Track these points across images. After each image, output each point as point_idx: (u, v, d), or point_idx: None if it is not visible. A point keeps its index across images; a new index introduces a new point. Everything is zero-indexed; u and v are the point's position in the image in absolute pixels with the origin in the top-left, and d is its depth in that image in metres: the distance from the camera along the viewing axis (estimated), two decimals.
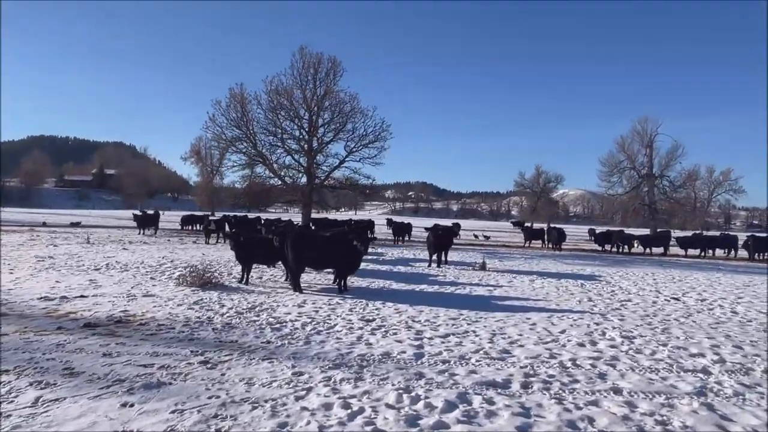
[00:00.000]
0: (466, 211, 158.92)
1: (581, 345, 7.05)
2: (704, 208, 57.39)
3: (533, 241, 30.26)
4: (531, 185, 67.60)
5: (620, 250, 27.27)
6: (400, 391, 4.99)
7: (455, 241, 34.37)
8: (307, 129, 27.74)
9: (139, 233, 28.66)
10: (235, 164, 28.08)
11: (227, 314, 8.41)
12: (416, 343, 6.93)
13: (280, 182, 27.61)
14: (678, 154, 40.96)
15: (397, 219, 43.91)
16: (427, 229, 17.46)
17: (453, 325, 8.13)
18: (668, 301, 11.30)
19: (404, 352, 6.43)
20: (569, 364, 6.12)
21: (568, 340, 7.28)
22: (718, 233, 33.28)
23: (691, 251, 27.00)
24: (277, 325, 7.72)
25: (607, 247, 28.12)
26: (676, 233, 33.47)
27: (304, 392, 4.92)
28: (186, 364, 5.62)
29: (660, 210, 41.76)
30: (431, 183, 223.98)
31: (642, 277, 15.65)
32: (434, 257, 16.64)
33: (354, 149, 27.48)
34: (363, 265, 16.28)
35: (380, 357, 6.19)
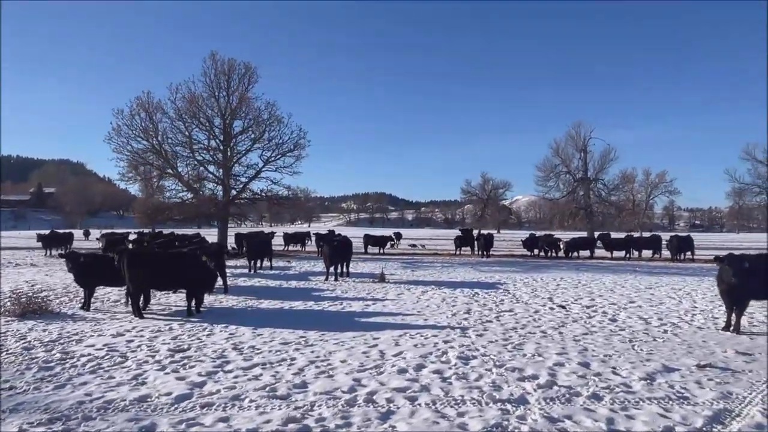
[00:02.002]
0: (421, 220, 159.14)
1: (402, 371, 5.98)
2: (642, 209, 58.67)
3: (464, 248, 29.57)
4: (477, 192, 67.63)
5: (548, 254, 26.86)
6: None
7: (395, 249, 33.75)
8: (221, 138, 26.18)
9: (45, 254, 26.40)
10: (129, 178, 26.38)
11: (11, 350, 6.98)
12: (200, 379, 5.72)
13: (192, 196, 25.86)
14: (611, 157, 41.52)
15: (349, 230, 42.60)
16: (320, 240, 16.22)
17: (278, 351, 6.95)
18: (553, 309, 10.47)
19: (170, 393, 5.20)
20: (361, 401, 5.02)
21: (393, 366, 6.21)
22: (650, 234, 33.53)
23: (619, 253, 26.86)
24: (53, 364, 6.35)
25: (536, 251, 27.67)
26: (616, 235, 33.45)
27: None
28: None
29: (596, 213, 42.09)
30: (390, 193, 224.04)
31: (547, 283, 14.93)
32: (331, 269, 15.42)
33: (271, 158, 26.10)
34: (259, 281, 15.09)
35: (132, 401, 4.94)
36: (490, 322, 9.07)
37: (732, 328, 8.22)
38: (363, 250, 30.68)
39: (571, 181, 42.51)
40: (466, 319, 9.35)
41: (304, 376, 5.84)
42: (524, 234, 38.41)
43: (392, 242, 32.90)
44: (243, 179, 26.79)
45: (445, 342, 7.45)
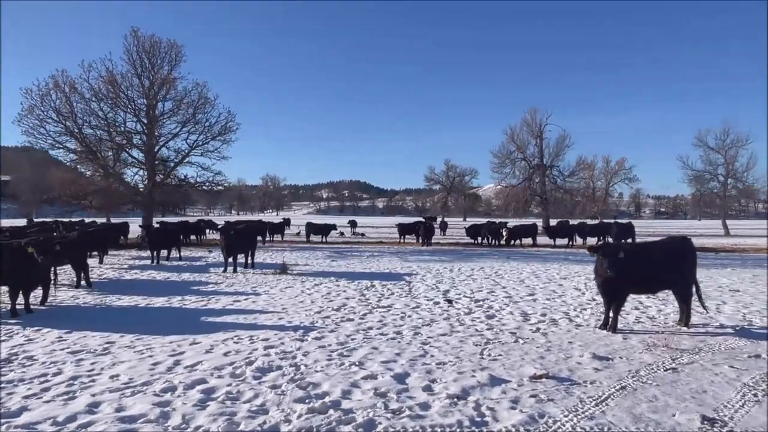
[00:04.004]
0: (392, 208, 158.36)
1: (166, 391, 4.84)
2: (602, 197, 58.64)
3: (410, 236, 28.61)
4: (441, 179, 66.78)
5: (490, 242, 26.06)
6: None
7: (342, 238, 32.57)
8: (145, 121, 24.47)
9: None
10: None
11: None
12: None
13: (114, 182, 24.16)
14: (566, 143, 41.02)
15: (317, 219, 41.28)
16: (220, 229, 14.91)
17: (54, 362, 5.79)
18: (438, 303, 9.46)
19: None
20: None
21: (166, 382, 5.07)
22: (597, 222, 33.06)
23: (563, 241, 26.25)
24: None
25: (479, 239, 26.86)
26: (576, 222, 32.89)
27: None
28: None
29: (551, 200, 41.62)
30: (365, 181, 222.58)
31: (460, 273, 13.99)
32: (230, 260, 14.15)
33: (200, 143, 24.54)
34: (150, 274, 13.76)
35: None
36: (351, 320, 8.00)
37: (609, 326, 7.29)
38: (305, 239, 29.56)
39: (527, 167, 41.90)
40: (328, 317, 8.26)
41: (40, 398, 4.64)
42: (498, 221, 37.45)
43: (337, 231, 31.77)
44: (171, 164, 25.18)
45: (268, 347, 6.33)
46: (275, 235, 30.11)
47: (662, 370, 5.51)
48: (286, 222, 40.38)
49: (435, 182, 67.99)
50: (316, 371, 5.42)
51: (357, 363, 5.72)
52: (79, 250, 11.10)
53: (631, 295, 9.27)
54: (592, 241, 26.75)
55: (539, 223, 34.75)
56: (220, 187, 26.37)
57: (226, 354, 6.07)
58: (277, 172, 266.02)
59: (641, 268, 7.21)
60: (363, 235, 33.99)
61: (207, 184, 25.34)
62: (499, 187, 49.60)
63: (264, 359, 5.83)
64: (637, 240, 24.85)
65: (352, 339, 6.82)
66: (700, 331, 7.25)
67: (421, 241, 26.08)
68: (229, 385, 4.99)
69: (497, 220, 38.41)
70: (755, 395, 4.75)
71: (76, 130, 23.28)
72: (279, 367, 5.55)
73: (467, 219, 73.32)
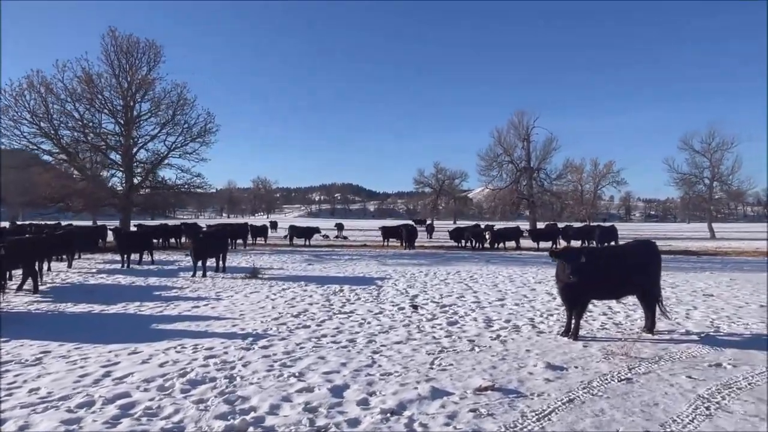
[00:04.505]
0: (383, 211, 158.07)
1: (84, 406, 4.51)
2: (591, 200, 58.59)
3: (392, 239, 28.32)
4: (430, 182, 66.57)
5: (474, 245, 25.83)
6: None
7: (327, 241, 32.20)
8: (123, 122, 24.05)
9: None
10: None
11: None
12: None
13: (90, 184, 23.70)
14: (553, 146, 40.91)
15: (308, 222, 40.93)
16: (187, 234, 14.56)
17: None
18: (402, 310, 9.18)
19: None
20: None
21: (85, 397, 4.72)
22: (582, 224, 32.93)
23: (546, 244, 26.03)
24: None
25: (463, 242, 26.64)
26: (573, 225, 32.71)
27: None
28: None
29: (539, 203, 41.50)
30: (357, 184, 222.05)
31: (434, 277, 13.74)
32: (199, 264, 13.78)
33: (178, 144, 24.15)
34: (117, 279, 13.33)
35: None
36: (307, 327, 7.70)
37: (570, 333, 7.04)
38: (288, 242, 29.22)
39: (514, 170, 41.77)
40: (285, 323, 7.96)
41: None
42: (483, 224, 37.21)
43: (321, 233, 31.47)
44: (149, 166, 24.75)
45: (209, 357, 6.02)
46: (258, 238, 29.73)
47: (616, 380, 5.25)
48: (273, 225, 40.21)
49: (424, 185, 67.70)
50: (251, 383, 5.12)
51: (297, 374, 5.42)
52: (31, 254, 10.69)
53: (603, 301, 9.09)
54: (576, 244, 26.64)
55: (523, 226, 34.56)
56: (199, 190, 25.96)
57: (162, 365, 5.75)
58: (270, 175, 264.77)
59: (603, 272, 6.97)
60: (346, 238, 33.69)
61: (186, 186, 24.92)
62: (486, 190, 49.40)
63: (200, 370, 5.51)
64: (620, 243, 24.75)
65: (301, 347, 6.52)
66: (663, 338, 7.02)
67: (403, 244, 25.80)
68: (152, 399, 4.68)
69: (484, 224, 38.31)
70: (707, 408, 4.50)
71: (52, 132, 22.84)
72: (213, 379, 5.24)
73: (457, 222, 73.14)
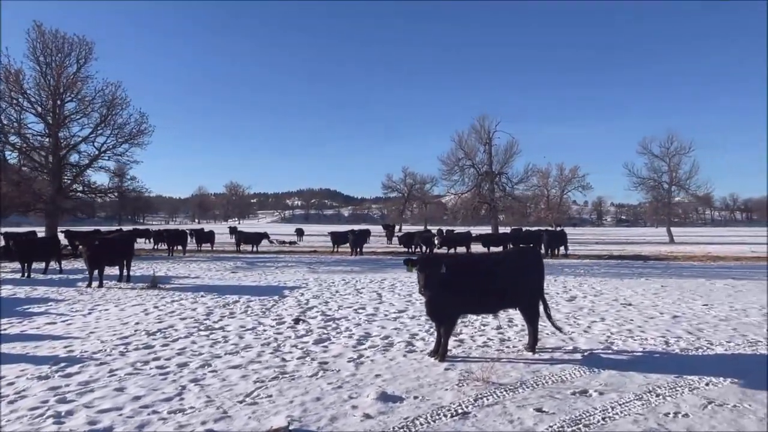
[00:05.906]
0: (357, 216, 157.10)
1: None
2: (556, 204, 58.46)
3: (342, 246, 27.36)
4: (399, 187, 65.85)
5: (423, 250, 25.02)
6: None
7: (277, 247, 31.14)
8: (51, 122, 22.62)
9: None
10: None
11: None
12: None
13: (11, 186, 22.18)
14: (515, 150, 40.50)
15: (282, 228, 39.54)
16: (79, 241, 13.39)
17: None
18: (283, 323, 8.24)
19: None
20: None
21: None
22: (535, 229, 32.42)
23: (497, 249, 25.41)
24: None
25: (412, 248, 25.83)
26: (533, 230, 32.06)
27: None
28: None
29: (500, 207, 40.99)
30: (335, 189, 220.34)
31: (353, 285, 12.84)
32: (95, 274, 12.61)
33: (109, 146, 22.82)
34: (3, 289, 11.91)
35: None
36: (149, 348, 6.70)
37: (437, 353, 6.17)
38: (236, 248, 28.07)
39: (476, 174, 41.23)
40: (127, 344, 6.93)
41: None
42: (462, 230, 36.42)
43: (269, 239, 30.39)
44: (79, 169, 23.36)
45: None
46: (204, 244, 28.48)
47: (449, 416, 4.38)
48: (232, 230, 38.55)
49: (392, 190, 66.87)
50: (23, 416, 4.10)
51: (64, 413, 4.43)
52: None
53: (500, 312, 8.26)
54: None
55: (476, 231, 33.98)
56: (134, 194, 24.64)
57: None
58: (245, 181, 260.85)
59: (474, 283, 6.12)
60: (295, 243, 32.65)
61: (116, 190, 23.59)
62: (449, 195, 48.87)
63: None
64: (569, 247, 24.26)
65: (110, 375, 5.51)
66: (542, 358, 6.20)
67: (351, 249, 24.90)
68: None
69: (445, 228, 37.68)
70: None
71: None
72: None
73: (428, 227, 72.42)
